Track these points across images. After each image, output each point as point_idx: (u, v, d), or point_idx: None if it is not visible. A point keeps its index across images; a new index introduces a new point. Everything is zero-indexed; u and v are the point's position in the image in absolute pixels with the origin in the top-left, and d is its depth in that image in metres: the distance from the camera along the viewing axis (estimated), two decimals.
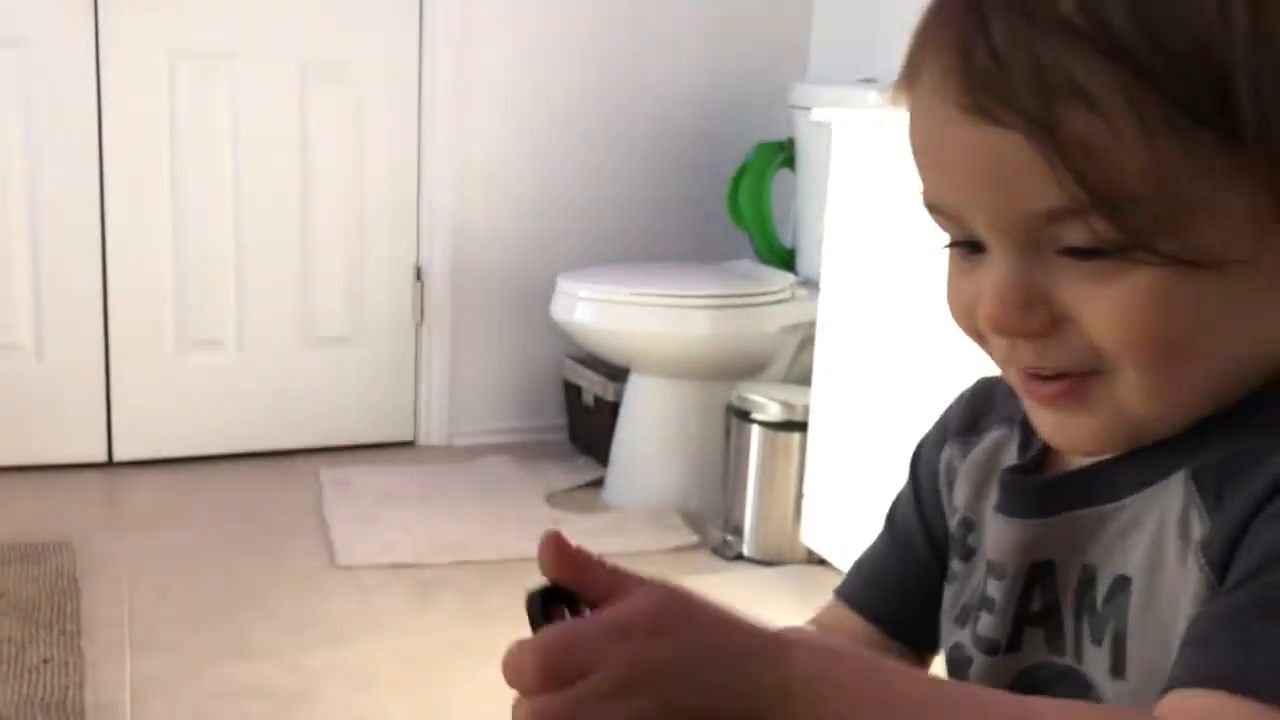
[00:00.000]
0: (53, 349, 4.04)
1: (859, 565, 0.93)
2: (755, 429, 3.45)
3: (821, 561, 3.35)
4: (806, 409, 3.31)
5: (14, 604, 2.98)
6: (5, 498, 3.82)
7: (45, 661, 2.70)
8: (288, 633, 2.93)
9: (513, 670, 0.50)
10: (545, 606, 0.54)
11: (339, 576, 3.30)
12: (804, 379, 3.40)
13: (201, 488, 4.01)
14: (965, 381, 0.91)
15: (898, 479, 0.95)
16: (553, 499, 4.04)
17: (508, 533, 3.65)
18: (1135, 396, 0.62)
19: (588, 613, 0.53)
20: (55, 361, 4.05)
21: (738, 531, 3.53)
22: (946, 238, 0.71)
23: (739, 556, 3.51)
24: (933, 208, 0.70)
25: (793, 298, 3.76)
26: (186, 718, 2.52)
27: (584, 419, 4.48)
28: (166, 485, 4.03)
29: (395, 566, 3.38)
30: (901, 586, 0.88)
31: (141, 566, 3.30)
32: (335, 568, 3.36)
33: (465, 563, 3.42)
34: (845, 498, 3.14)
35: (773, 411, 3.43)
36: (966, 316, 0.69)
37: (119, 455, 4.17)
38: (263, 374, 4.32)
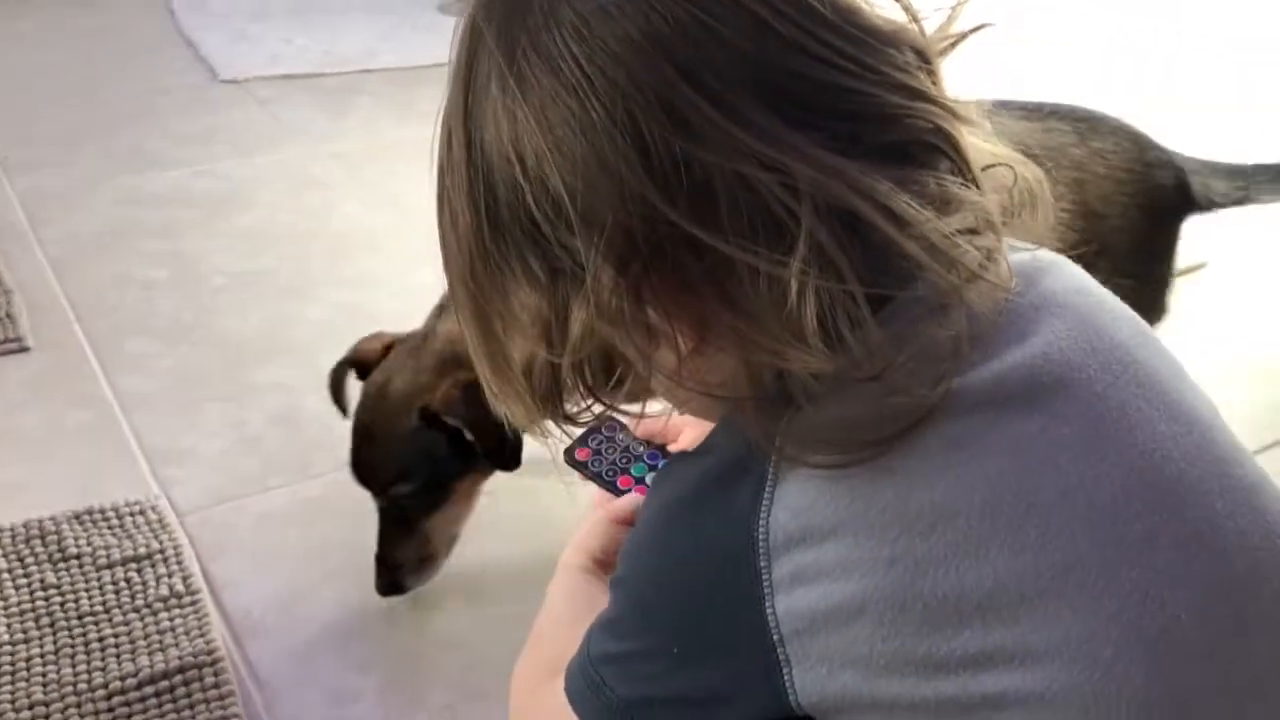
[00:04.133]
0: None
1: None
2: None
3: None
4: None
5: None
6: None
7: None
8: (189, 145, 2.54)
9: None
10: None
11: (228, 91, 2.86)
12: None
13: (32, 13, 3.37)
14: None
15: None
16: (446, 9, 3.59)
17: (408, 40, 3.24)
18: None
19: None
20: None
21: None
22: None
23: None
24: None
25: None
26: (98, 227, 2.17)
27: None
28: None
29: (289, 78, 2.95)
30: None
31: None
32: (220, 82, 2.91)
33: (369, 71, 3.02)
34: None
35: None
36: None
37: None
38: None
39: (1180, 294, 2.08)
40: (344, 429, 1.63)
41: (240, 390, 1.73)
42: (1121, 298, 0.63)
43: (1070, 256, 0.64)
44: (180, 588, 1.32)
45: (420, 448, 1.25)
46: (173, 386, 1.73)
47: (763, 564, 0.54)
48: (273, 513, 1.48)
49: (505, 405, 0.63)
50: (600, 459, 0.87)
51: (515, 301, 0.59)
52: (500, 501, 1.51)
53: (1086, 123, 1.31)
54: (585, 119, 0.53)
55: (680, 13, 0.52)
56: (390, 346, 1.33)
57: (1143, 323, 0.62)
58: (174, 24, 3.34)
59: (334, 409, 1.64)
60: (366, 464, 1.29)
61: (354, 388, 1.37)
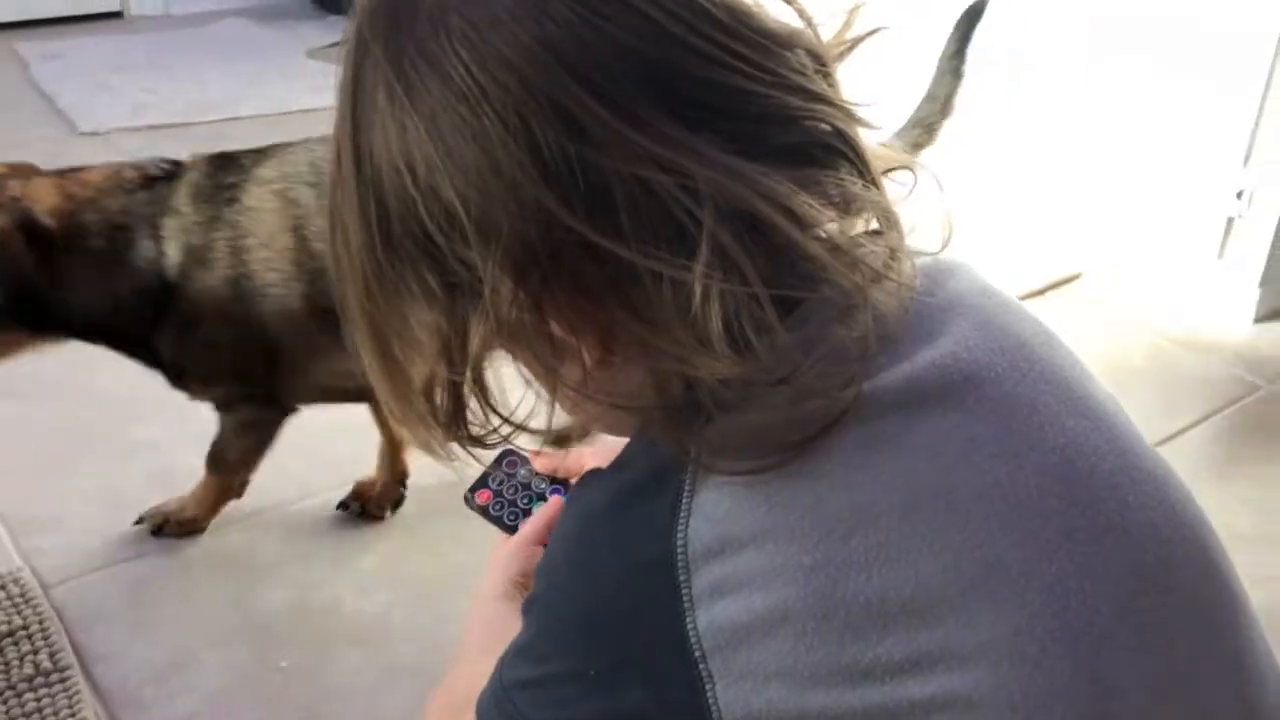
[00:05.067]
0: None
1: None
2: None
3: None
4: None
5: None
6: None
7: None
8: None
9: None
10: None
11: (90, 143, 2.75)
12: None
13: None
14: None
15: None
16: (315, 55, 3.52)
17: (275, 87, 3.17)
18: None
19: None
20: None
21: None
22: None
23: None
24: None
25: None
26: None
27: None
28: None
29: (155, 128, 2.86)
30: None
31: None
32: (81, 135, 2.80)
33: (238, 119, 2.95)
34: None
35: None
36: None
37: None
38: None
39: (1054, 304, 2.14)
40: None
41: (111, 451, 1.64)
42: None
43: None
44: (48, 665, 1.23)
45: None
46: (37, 450, 1.63)
47: (682, 577, 0.51)
48: (149, 577, 1.40)
49: (408, 430, 0.60)
50: (501, 500, 0.83)
51: (413, 320, 0.57)
52: (396, 550, 1.45)
53: None
54: (477, 125, 0.51)
55: (572, 17, 0.51)
56: None
57: (1043, 322, 0.61)
58: (28, 77, 3.22)
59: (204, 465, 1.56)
60: None
61: None
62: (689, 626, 0.52)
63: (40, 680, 1.21)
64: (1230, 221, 2.06)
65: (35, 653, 1.24)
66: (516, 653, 0.59)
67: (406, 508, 1.53)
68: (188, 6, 3.95)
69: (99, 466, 1.60)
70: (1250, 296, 2.06)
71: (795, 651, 0.50)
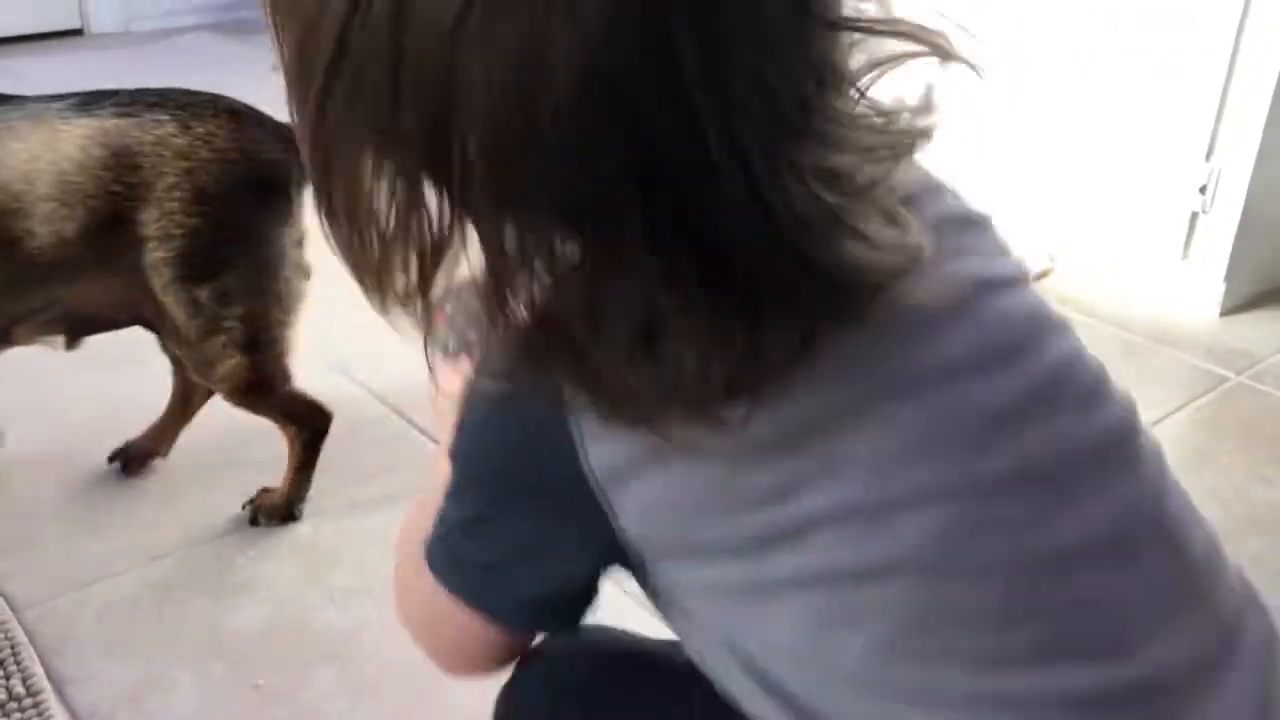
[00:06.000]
0: None
1: None
2: None
3: None
4: None
5: None
6: None
7: None
8: None
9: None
10: None
11: None
12: None
13: None
14: None
15: None
16: (279, 68, 3.51)
17: (242, 97, 3.15)
18: None
19: None
20: None
21: None
22: None
23: None
24: None
25: None
26: None
27: None
28: None
29: None
30: None
31: None
32: None
33: None
34: None
35: None
36: None
37: None
38: None
39: None
40: (192, 501, 1.55)
41: (77, 471, 1.62)
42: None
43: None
44: (20, 690, 1.21)
45: None
46: (3, 473, 1.61)
47: (572, 422, 0.55)
48: (121, 598, 1.38)
49: (383, 306, 0.55)
50: None
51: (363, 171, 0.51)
52: (368, 563, 1.44)
53: (187, 110, 1.33)
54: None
55: None
56: None
57: None
58: None
59: (178, 484, 1.54)
60: None
61: None
62: (583, 460, 0.56)
63: (13, 705, 1.19)
64: (1194, 216, 2.08)
65: (8, 678, 1.23)
66: (446, 496, 0.65)
67: (376, 521, 1.52)
68: (149, 23, 3.92)
69: (67, 487, 1.58)
70: (1215, 290, 2.08)
71: (685, 483, 0.55)
